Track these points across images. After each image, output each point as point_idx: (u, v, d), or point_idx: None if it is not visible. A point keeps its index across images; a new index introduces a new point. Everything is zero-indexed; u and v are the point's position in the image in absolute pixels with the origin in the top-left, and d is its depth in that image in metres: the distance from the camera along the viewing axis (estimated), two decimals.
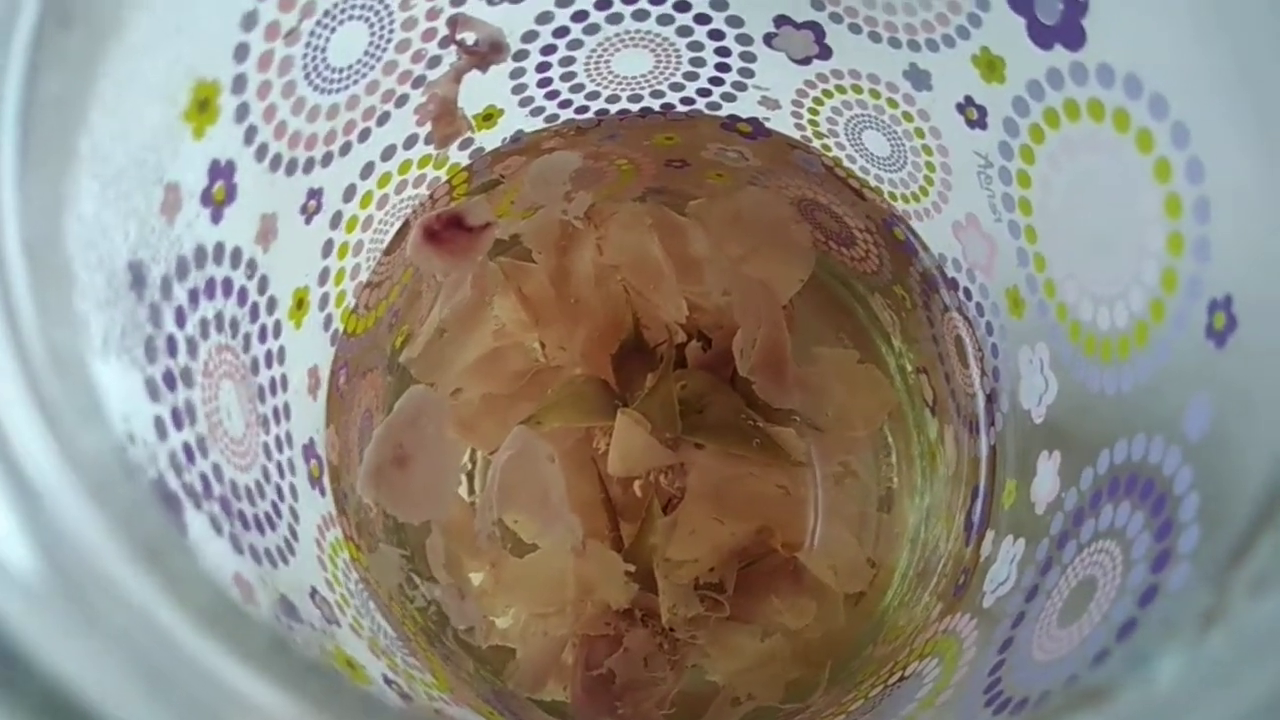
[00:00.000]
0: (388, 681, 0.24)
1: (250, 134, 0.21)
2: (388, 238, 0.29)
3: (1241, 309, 0.17)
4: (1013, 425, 0.27)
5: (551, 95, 0.28)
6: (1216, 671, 0.12)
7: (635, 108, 0.30)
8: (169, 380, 0.19)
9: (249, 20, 0.19)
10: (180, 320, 0.20)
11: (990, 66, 0.22)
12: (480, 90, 0.27)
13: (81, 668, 0.10)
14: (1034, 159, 0.23)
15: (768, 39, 0.26)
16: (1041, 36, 0.20)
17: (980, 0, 0.21)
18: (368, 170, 0.26)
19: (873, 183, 0.29)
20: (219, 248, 0.21)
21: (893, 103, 0.26)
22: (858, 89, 0.26)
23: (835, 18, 0.24)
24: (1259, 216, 0.16)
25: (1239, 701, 0.12)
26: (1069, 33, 0.20)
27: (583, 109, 0.29)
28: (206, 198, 0.20)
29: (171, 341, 0.19)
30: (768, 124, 0.30)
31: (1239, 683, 0.12)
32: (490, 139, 0.29)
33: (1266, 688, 0.12)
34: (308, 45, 0.21)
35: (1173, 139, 0.18)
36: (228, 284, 0.22)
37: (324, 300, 0.27)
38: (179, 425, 0.19)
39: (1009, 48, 0.21)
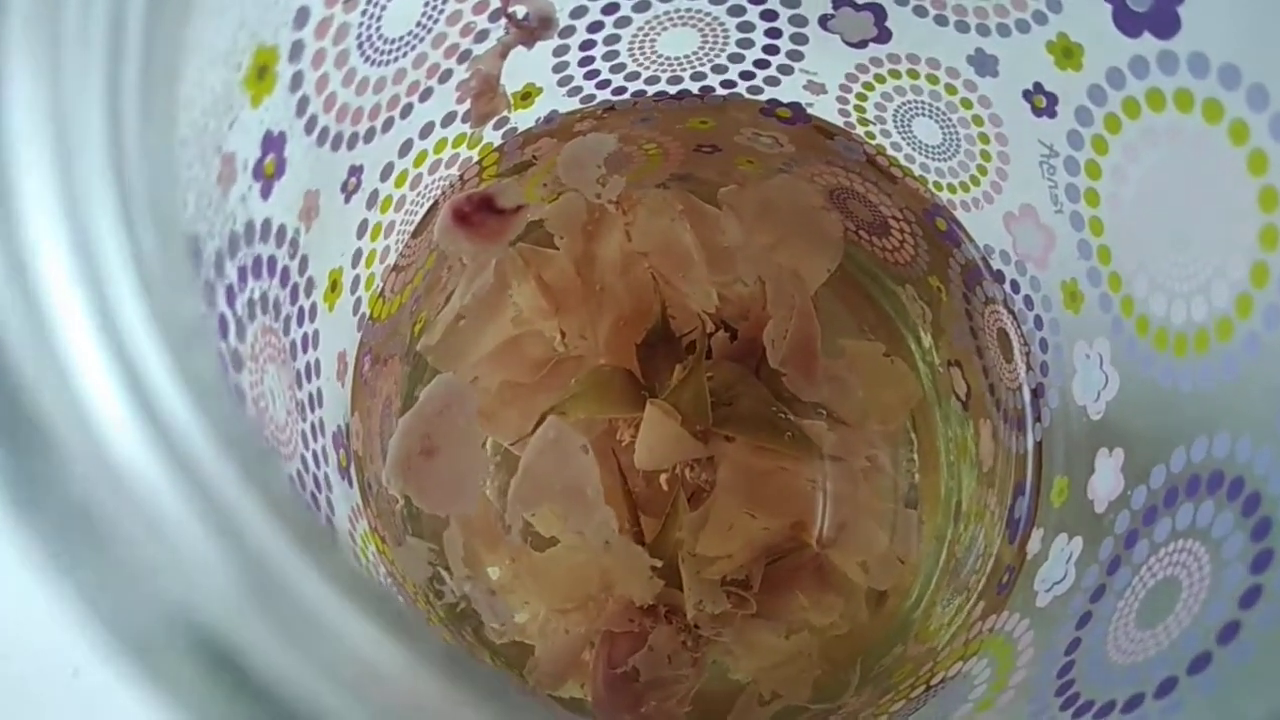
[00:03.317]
0: None
1: (302, 105, 0.20)
2: (417, 219, 0.28)
3: None
4: (1063, 421, 0.26)
5: (591, 75, 0.27)
6: None
7: (673, 90, 0.29)
8: (221, 364, 0.18)
9: None
10: (230, 300, 0.19)
11: (1066, 53, 0.22)
12: (521, 68, 0.25)
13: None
14: (1107, 149, 0.22)
15: (823, 20, 0.25)
16: (1129, 24, 0.20)
17: None
18: (406, 148, 0.25)
19: (917, 171, 0.29)
20: (266, 224, 0.20)
21: (951, 89, 0.25)
22: (914, 74, 0.25)
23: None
24: None
25: None
26: (1161, 20, 0.19)
27: (620, 90, 0.28)
28: (259, 171, 0.19)
29: (223, 322, 0.18)
30: (809, 109, 0.29)
31: None
32: (524, 119, 0.28)
33: None
34: (364, 13, 0.20)
35: (1271, 131, 0.18)
36: (272, 263, 0.21)
37: (355, 283, 0.26)
38: None
39: (1090, 34, 0.21)
